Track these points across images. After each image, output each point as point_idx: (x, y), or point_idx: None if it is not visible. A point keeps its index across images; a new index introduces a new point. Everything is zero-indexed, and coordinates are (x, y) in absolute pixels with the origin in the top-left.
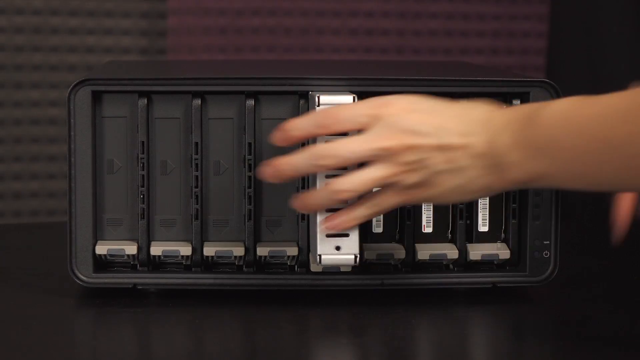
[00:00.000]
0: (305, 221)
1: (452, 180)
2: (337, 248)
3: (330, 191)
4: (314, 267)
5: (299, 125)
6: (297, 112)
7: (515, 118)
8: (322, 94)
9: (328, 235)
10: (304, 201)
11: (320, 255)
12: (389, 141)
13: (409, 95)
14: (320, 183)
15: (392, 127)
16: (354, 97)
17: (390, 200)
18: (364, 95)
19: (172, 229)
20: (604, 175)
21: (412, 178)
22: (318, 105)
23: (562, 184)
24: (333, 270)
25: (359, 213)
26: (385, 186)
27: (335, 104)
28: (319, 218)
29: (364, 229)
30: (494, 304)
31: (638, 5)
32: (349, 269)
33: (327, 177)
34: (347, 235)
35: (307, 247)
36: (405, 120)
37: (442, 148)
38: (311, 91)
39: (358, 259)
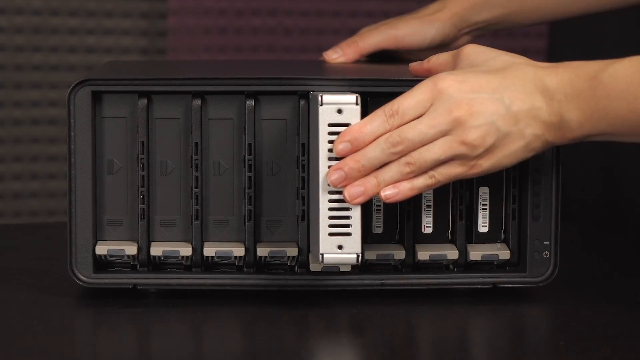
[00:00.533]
0: (305, 221)
1: (518, 141)
2: (340, 247)
3: (406, 164)
4: (313, 267)
5: (368, 131)
6: (297, 113)
7: (573, 79)
8: (325, 94)
9: (330, 235)
10: (368, 183)
11: (322, 254)
12: (457, 111)
13: (452, 72)
14: (322, 195)
15: (453, 99)
16: (356, 97)
17: (454, 171)
18: (365, 96)
19: (172, 229)
20: None
21: (483, 143)
22: (321, 105)
23: (623, 140)
24: (333, 271)
25: (420, 183)
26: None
27: (338, 102)
28: (321, 217)
29: (364, 229)
30: (494, 304)
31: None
32: (349, 269)
33: (330, 192)
34: (349, 234)
35: (307, 247)
36: (466, 90)
37: (506, 107)
38: (312, 91)
39: (360, 258)
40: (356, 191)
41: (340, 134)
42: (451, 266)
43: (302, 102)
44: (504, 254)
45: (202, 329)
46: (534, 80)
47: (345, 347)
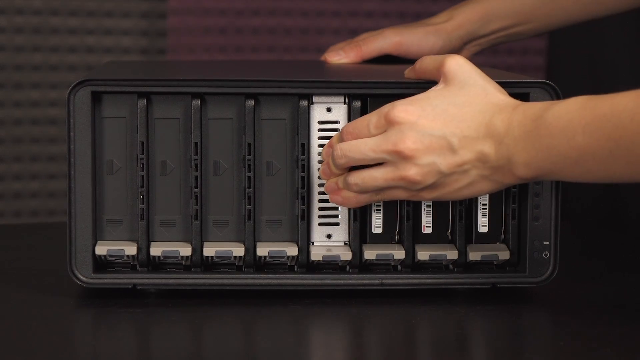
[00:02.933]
0: (305, 221)
1: (462, 181)
2: (329, 236)
3: (344, 182)
4: (314, 256)
5: (334, 141)
6: (296, 113)
7: (522, 121)
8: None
9: (320, 225)
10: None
11: (312, 242)
12: (402, 145)
13: (413, 99)
14: None
15: (402, 133)
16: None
17: (397, 195)
18: (365, 98)
19: (171, 229)
20: (613, 171)
21: (423, 181)
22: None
23: (568, 179)
24: (332, 262)
25: (364, 199)
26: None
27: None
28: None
29: (364, 229)
30: (494, 304)
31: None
32: (348, 258)
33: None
34: (337, 224)
35: (307, 247)
36: (418, 127)
37: (452, 151)
38: (311, 94)
39: (350, 247)
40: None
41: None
42: (451, 266)
43: (302, 103)
44: (504, 254)
45: (202, 329)
46: (487, 124)
47: (345, 347)
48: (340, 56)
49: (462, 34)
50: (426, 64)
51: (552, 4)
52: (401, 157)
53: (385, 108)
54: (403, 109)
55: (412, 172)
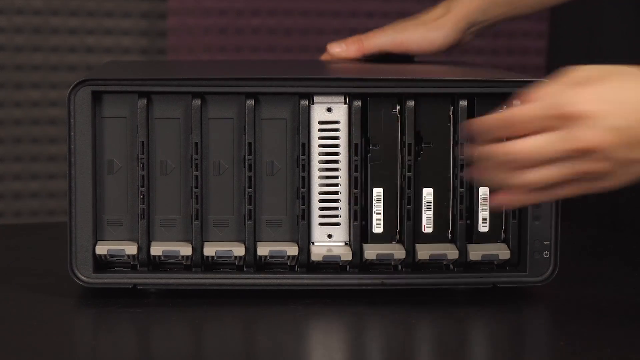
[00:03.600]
0: (306, 221)
1: (632, 172)
2: (329, 236)
3: (515, 178)
4: (315, 256)
5: (487, 125)
6: (297, 113)
7: None
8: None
9: (320, 225)
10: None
11: (313, 242)
12: (579, 143)
13: (581, 82)
14: None
15: (580, 129)
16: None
17: (572, 191)
18: (365, 97)
19: (172, 229)
20: None
21: (597, 176)
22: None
23: None
24: (333, 262)
25: (537, 198)
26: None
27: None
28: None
29: (365, 228)
30: (494, 304)
31: (638, 5)
32: (349, 258)
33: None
34: (338, 224)
35: (307, 247)
36: (592, 122)
37: (629, 143)
38: (312, 92)
39: (350, 247)
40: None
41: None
42: (451, 266)
43: (302, 102)
44: (504, 253)
45: (202, 329)
46: None
47: (345, 347)
48: (341, 48)
49: (462, 25)
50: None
51: None
52: (582, 153)
53: (558, 100)
54: (582, 100)
55: (588, 166)
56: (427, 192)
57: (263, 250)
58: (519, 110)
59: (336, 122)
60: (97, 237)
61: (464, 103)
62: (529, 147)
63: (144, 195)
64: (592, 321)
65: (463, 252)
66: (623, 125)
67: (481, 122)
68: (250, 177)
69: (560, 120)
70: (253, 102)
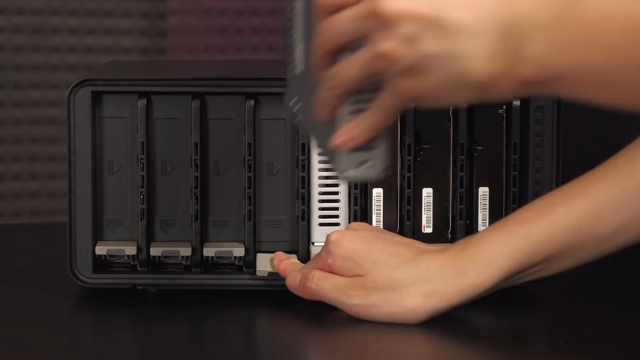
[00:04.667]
0: (305, 221)
1: (444, 70)
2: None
3: (330, 81)
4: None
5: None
6: None
7: (552, 4)
8: None
9: (320, 225)
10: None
11: (313, 243)
12: (387, 3)
13: None
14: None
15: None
16: None
17: (388, 99)
18: None
19: (172, 229)
20: (634, 88)
21: (402, 59)
22: None
23: (582, 91)
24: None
25: (368, 122)
26: (383, 85)
27: None
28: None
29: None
30: (494, 304)
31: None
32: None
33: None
34: (338, 224)
35: (307, 247)
36: None
37: (443, 24)
38: None
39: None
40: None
41: None
42: None
43: None
44: None
45: (202, 329)
46: (508, 4)
47: (345, 347)
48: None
49: None
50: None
51: None
52: (380, 23)
53: None
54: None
55: (387, 44)
56: (427, 192)
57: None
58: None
59: None
60: (97, 237)
61: None
62: (334, 19)
63: (144, 196)
64: (592, 321)
65: None
66: (429, 8)
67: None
68: (250, 177)
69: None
70: (253, 102)
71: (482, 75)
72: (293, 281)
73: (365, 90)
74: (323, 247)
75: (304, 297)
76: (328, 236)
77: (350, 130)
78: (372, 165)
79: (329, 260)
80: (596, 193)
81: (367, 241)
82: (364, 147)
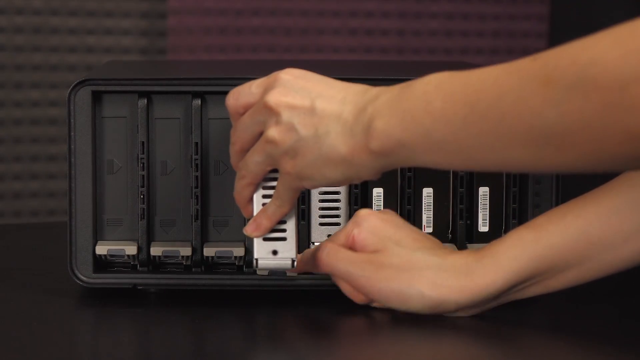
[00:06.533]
0: (305, 221)
1: (315, 150)
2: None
3: (239, 171)
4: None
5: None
6: None
7: (391, 89)
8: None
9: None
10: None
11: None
12: (270, 99)
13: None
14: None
15: (275, 88)
16: None
17: (280, 184)
18: None
19: (172, 229)
20: (467, 143)
21: (281, 145)
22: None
23: (422, 157)
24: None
25: (270, 209)
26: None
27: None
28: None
29: None
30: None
31: (638, 5)
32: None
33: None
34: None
35: (307, 247)
36: (288, 83)
37: (311, 111)
38: None
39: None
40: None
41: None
42: None
43: None
44: None
45: (202, 329)
46: (358, 92)
47: (345, 347)
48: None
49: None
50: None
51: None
52: (268, 114)
53: (269, 76)
54: (286, 70)
55: (271, 131)
56: (427, 192)
57: None
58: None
59: None
60: (97, 237)
61: None
62: (241, 118)
63: (144, 195)
64: (592, 321)
65: None
66: (303, 92)
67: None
68: None
69: (265, 86)
70: None
71: (342, 150)
72: (303, 256)
73: (271, 179)
74: (351, 220)
75: (311, 270)
76: (358, 211)
77: (257, 218)
78: (282, 257)
79: (355, 231)
80: (606, 202)
81: (395, 224)
82: (275, 237)
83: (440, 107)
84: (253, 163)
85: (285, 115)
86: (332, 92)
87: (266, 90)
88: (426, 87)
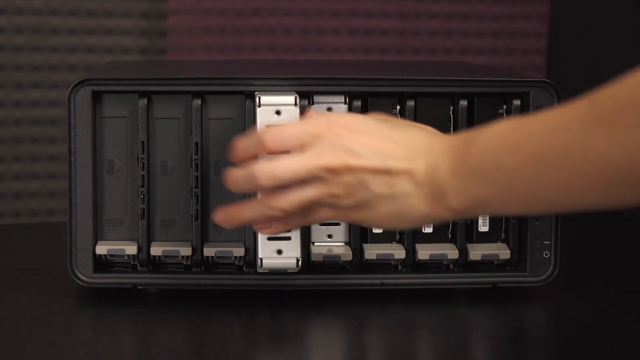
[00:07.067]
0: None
1: (391, 206)
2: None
3: (265, 206)
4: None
5: (243, 146)
6: None
7: (454, 144)
8: (264, 94)
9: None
10: (232, 214)
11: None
12: (330, 160)
13: (353, 114)
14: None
15: (335, 147)
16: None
17: (324, 215)
18: (365, 96)
19: (172, 229)
20: (543, 193)
21: (349, 200)
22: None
23: (502, 209)
24: (333, 262)
25: (293, 222)
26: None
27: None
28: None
29: (365, 229)
30: (494, 304)
31: (638, 5)
32: (349, 258)
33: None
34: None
35: (307, 247)
36: (348, 141)
37: (383, 172)
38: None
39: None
40: (220, 216)
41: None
42: (451, 266)
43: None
44: (504, 253)
45: (202, 329)
46: (423, 148)
47: (345, 347)
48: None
49: None
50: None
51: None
52: (330, 172)
53: (320, 118)
54: (338, 123)
55: (337, 188)
56: None
57: None
58: (276, 128)
59: None
60: (97, 237)
61: (464, 103)
62: (284, 163)
63: (144, 195)
64: (592, 321)
65: (463, 252)
66: (369, 152)
67: (241, 141)
68: None
69: (312, 137)
70: (252, 101)
71: (424, 209)
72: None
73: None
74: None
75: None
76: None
77: (272, 224)
78: (287, 256)
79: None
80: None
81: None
82: (279, 237)
83: (510, 163)
84: (299, 203)
85: (353, 177)
86: (397, 149)
87: (317, 140)
88: (490, 142)
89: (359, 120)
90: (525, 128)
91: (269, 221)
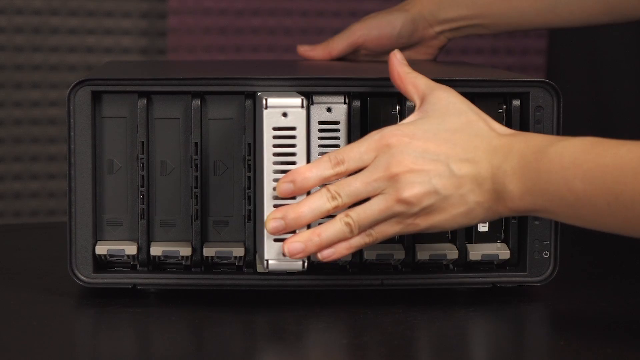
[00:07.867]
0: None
1: (459, 207)
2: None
3: (346, 225)
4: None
5: (313, 175)
6: None
7: (519, 149)
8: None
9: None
10: (309, 242)
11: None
12: (396, 168)
13: (404, 124)
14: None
15: (395, 157)
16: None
17: (390, 230)
18: (365, 97)
19: (172, 229)
20: (607, 223)
21: (417, 207)
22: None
23: (562, 219)
24: (333, 262)
25: (356, 242)
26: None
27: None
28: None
29: None
30: (494, 304)
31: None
32: (349, 258)
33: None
34: None
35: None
36: (411, 148)
37: (451, 173)
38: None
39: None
40: (296, 248)
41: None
42: (451, 266)
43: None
44: (504, 253)
45: (202, 329)
46: (485, 149)
47: (345, 347)
48: (309, 48)
49: (424, 14)
50: (420, 81)
51: (506, 3)
52: (395, 180)
53: (374, 134)
54: (393, 133)
55: (406, 193)
56: None
57: None
58: (340, 151)
59: (336, 123)
60: (97, 237)
61: None
62: (346, 183)
63: (144, 195)
64: (592, 321)
65: (463, 252)
66: (430, 156)
67: (304, 173)
68: (250, 177)
69: (375, 151)
70: (252, 102)
71: (486, 209)
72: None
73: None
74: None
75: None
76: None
77: (336, 246)
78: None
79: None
80: None
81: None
82: (286, 238)
83: (582, 189)
84: (371, 222)
85: (420, 178)
86: (458, 152)
87: (381, 154)
88: (561, 162)
89: (412, 129)
90: (599, 160)
91: (330, 246)
